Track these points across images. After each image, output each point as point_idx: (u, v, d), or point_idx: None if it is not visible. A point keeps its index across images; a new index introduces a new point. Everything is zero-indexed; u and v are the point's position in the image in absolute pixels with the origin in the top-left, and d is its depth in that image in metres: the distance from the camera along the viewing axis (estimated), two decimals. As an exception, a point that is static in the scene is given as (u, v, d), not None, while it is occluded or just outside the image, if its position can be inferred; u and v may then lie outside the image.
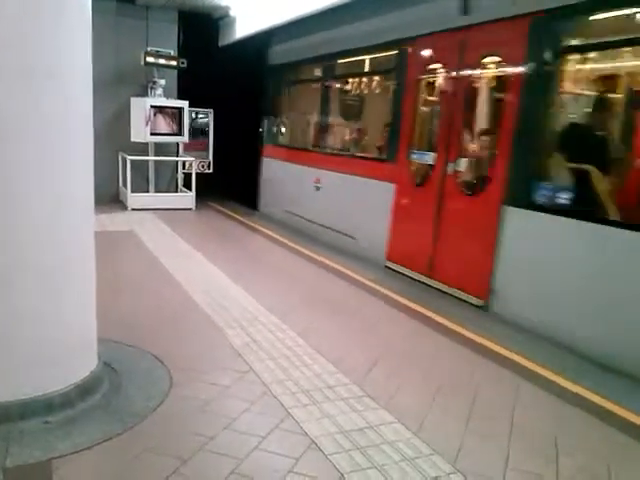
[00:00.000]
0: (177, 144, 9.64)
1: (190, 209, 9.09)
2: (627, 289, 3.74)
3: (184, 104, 9.11)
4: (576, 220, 4.06)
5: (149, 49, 8.99)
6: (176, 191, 9.76)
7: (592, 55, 4.53)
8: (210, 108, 10.01)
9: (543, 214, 4.29)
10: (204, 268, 5.60)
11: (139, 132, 8.82)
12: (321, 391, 3.12)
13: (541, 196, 4.33)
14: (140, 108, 8.76)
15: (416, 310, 4.69)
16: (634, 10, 3.87)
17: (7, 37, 2.37)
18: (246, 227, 8.07)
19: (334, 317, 4.44)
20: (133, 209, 8.64)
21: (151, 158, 9.23)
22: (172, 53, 9.29)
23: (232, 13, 9.17)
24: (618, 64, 4.50)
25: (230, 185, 10.54)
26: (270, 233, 7.61)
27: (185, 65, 9.13)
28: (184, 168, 9.65)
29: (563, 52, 4.38)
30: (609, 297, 3.86)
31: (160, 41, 9.26)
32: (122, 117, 8.98)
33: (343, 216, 7.05)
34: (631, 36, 3.94)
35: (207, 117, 10.20)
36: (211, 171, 10.00)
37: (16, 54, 2.39)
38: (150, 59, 8.86)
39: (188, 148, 9.77)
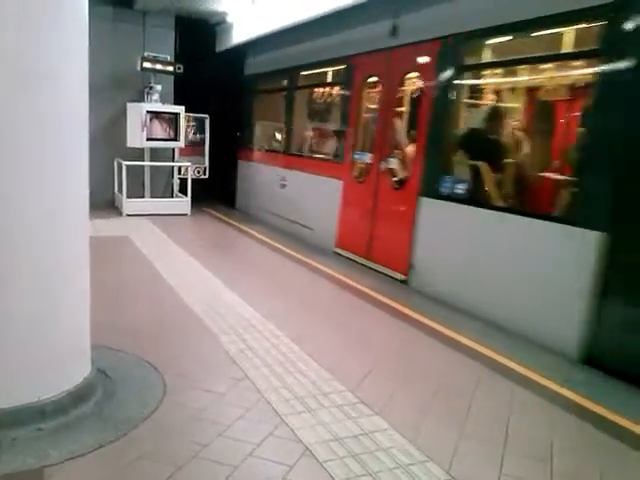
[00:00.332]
0: (173, 149, 9.64)
1: (185, 214, 9.07)
2: (499, 257, 4.62)
3: (180, 109, 9.11)
4: (467, 206, 4.96)
5: (146, 54, 8.99)
6: (172, 197, 9.74)
7: (486, 72, 5.71)
8: (206, 114, 10.02)
9: (444, 202, 5.22)
10: (198, 273, 5.59)
11: (135, 137, 8.81)
12: (315, 398, 3.12)
13: (444, 188, 5.23)
14: (136, 113, 8.75)
15: (397, 309, 4.73)
16: (515, 36, 4.84)
17: (3, 41, 2.37)
18: (239, 231, 8.07)
19: (325, 317, 4.45)
20: (128, 215, 8.61)
21: (147, 163, 9.22)
22: (169, 58, 9.29)
23: (229, 19, 9.20)
24: (507, 79, 5.72)
25: (223, 189, 10.59)
26: (263, 238, 7.61)
27: (181, 70, 9.14)
28: (180, 173, 9.65)
29: (463, 70, 5.27)
30: (487, 264, 4.74)
31: (157, 46, 9.26)
32: (118, 122, 8.98)
33: (304, 210, 7.88)
34: (514, 57, 4.99)
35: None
36: (207, 177, 10.00)
37: (12, 58, 2.39)
38: (147, 64, 8.86)
39: (184, 153, 9.77)
